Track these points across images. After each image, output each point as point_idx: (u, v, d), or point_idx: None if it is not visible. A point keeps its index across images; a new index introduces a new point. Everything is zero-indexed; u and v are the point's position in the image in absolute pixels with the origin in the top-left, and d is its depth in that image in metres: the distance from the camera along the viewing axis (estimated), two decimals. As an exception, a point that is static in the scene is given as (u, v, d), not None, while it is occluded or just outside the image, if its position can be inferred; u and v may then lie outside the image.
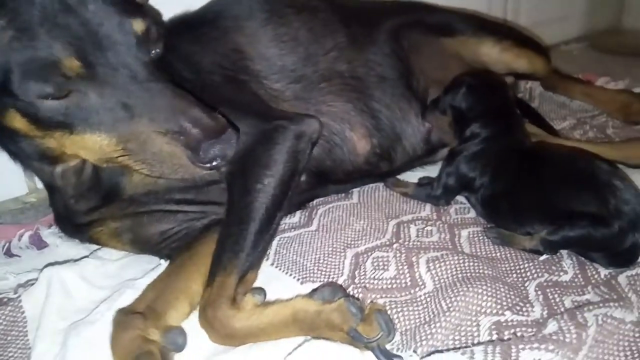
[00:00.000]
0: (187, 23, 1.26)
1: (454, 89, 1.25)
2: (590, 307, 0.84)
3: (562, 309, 0.88)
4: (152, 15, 0.86)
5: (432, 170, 1.37)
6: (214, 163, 0.78)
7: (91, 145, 0.82)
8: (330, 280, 1.01)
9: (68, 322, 0.92)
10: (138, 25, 0.80)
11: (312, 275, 1.02)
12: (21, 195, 1.41)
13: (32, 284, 1.02)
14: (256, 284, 0.97)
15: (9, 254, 1.20)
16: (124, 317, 0.86)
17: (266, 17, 1.27)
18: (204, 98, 1.06)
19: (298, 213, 1.24)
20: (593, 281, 0.96)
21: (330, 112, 1.25)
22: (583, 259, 1.02)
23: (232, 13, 1.27)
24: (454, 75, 1.32)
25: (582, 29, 2.58)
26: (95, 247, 1.15)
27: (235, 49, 1.22)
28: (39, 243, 1.22)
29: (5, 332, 0.95)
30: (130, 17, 0.80)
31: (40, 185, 1.39)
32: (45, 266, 1.04)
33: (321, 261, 1.06)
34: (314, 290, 0.89)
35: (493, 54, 1.47)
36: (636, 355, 0.78)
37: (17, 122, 0.81)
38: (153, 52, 0.83)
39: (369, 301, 0.91)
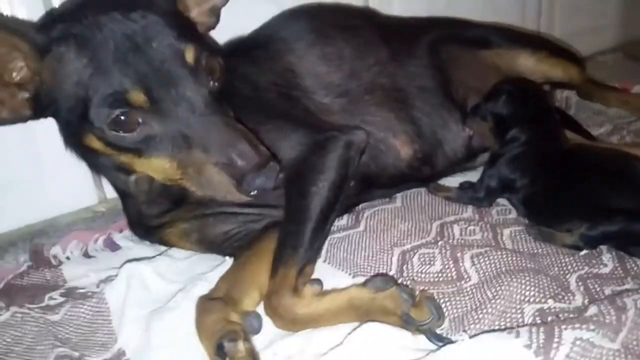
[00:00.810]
0: (242, 46, 1.38)
1: (495, 96, 1.32)
2: (630, 293, 0.89)
3: (602, 297, 0.93)
4: (209, 46, 0.96)
5: (471, 176, 1.43)
6: (255, 192, 0.89)
7: (156, 167, 0.94)
8: (380, 273, 1.08)
9: (148, 310, 1.03)
10: (190, 54, 0.91)
11: (362, 270, 1.10)
12: (92, 204, 1.54)
13: (112, 280, 1.13)
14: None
15: (86, 255, 1.32)
16: (207, 303, 0.96)
17: (313, 37, 1.38)
18: (262, 113, 1.19)
19: (345, 216, 1.31)
20: (632, 273, 1.00)
21: (374, 122, 1.33)
22: (622, 253, 1.06)
23: (281, 36, 1.39)
24: (491, 84, 1.39)
25: (616, 39, 2.59)
26: (164, 248, 1.26)
27: (287, 68, 1.33)
28: (112, 246, 1.34)
29: (92, 320, 1.07)
30: (184, 46, 0.90)
31: (109, 195, 1.52)
32: (124, 263, 1.16)
33: (370, 257, 1.13)
34: (367, 281, 0.97)
35: (529, 65, 1.54)
36: (675, 338, 0.83)
37: (95, 143, 0.93)
38: (212, 84, 0.94)
39: (418, 291, 0.98)
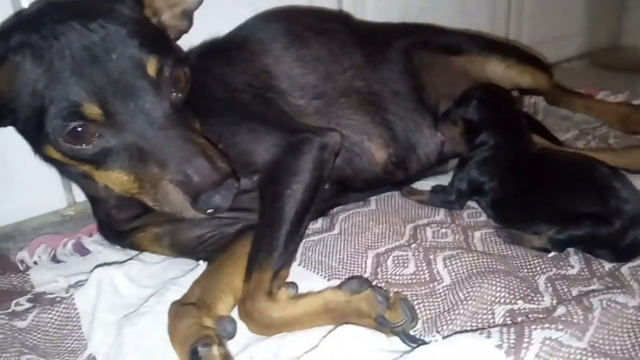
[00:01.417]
0: (217, 47, 1.37)
1: (465, 102, 1.35)
2: (596, 293, 0.92)
3: (570, 298, 0.96)
4: (172, 56, 0.93)
5: (443, 180, 1.46)
6: (210, 211, 0.88)
7: (114, 180, 0.93)
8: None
9: (119, 316, 1.01)
10: (152, 66, 0.88)
11: (337, 273, 1.10)
12: (61, 208, 1.51)
13: (82, 285, 1.11)
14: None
15: (55, 260, 1.29)
16: (180, 307, 0.95)
17: (289, 39, 1.38)
18: (237, 115, 1.18)
19: (320, 219, 1.32)
20: (598, 274, 1.03)
21: (349, 125, 1.34)
22: (588, 255, 1.09)
23: (257, 37, 1.38)
24: (462, 90, 1.42)
25: (582, 47, 2.67)
26: (135, 253, 1.24)
27: (262, 70, 1.33)
28: (81, 250, 1.31)
29: (60, 326, 1.04)
30: (146, 58, 0.88)
31: (78, 199, 1.50)
32: (95, 267, 1.13)
33: (345, 260, 1.14)
34: (342, 283, 0.98)
35: (499, 71, 1.57)
36: (638, 336, 0.85)
37: (54, 154, 0.92)
38: (175, 95, 0.92)
39: (392, 293, 0.99)
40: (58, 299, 1.10)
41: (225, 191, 0.87)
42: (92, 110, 0.85)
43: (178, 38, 1.12)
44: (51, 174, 1.09)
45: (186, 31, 1.13)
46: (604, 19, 2.69)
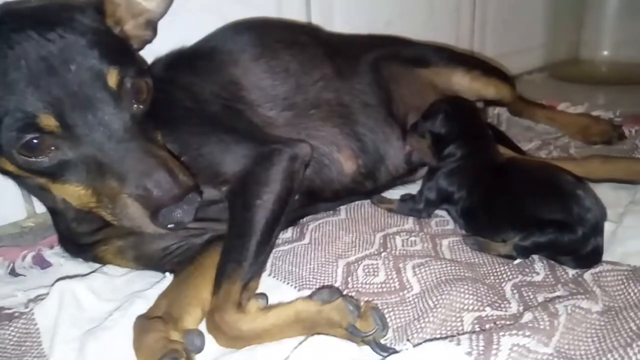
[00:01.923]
0: (184, 57, 1.35)
1: (432, 115, 1.37)
2: (561, 300, 0.94)
3: (536, 304, 0.98)
4: (134, 67, 0.91)
5: (412, 188, 1.48)
6: (171, 226, 0.86)
7: (71, 193, 0.90)
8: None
9: (82, 330, 0.97)
10: (112, 78, 0.87)
11: (308, 282, 1.09)
12: (20, 219, 1.45)
13: (42, 299, 1.07)
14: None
15: (13, 273, 1.24)
16: (145, 322, 0.92)
17: (259, 51, 1.37)
18: (205, 126, 1.17)
19: (290, 229, 1.31)
20: (562, 280, 1.06)
21: (319, 136, 1.35)
22: (553, 262, 1.12)
23: (226, 48, 1.37)
24: (429, 101, 1.44)
25: (542, 60, 2.77)
26: (98, 265, 1.20)
27: (231, 81, 1.31)
28: (42, 263, 1.26)
29: (19, 343, 0.99)
30: (107, 69, 0.86)
31: (38, 210, 1.45)
32: (56, 281, 1.09)
33: (315, 270, 1.13)
34: (313, 293, 0.97)
35: (464, 83, 1.61)
36: (602, 341, 0.87)
37: (8, 166, 0.89)
38: (135, 106, 0.90)
39: (363, 302, 0.99)
40: (17, 314, 1.05)
41: (186, 205, 0.85)
42: (48, 121, 0.82)
43: (141, 48, 1.10)
44: (9, 184, 1.06)
45: (150, 41, 1.11)
46: (563, 33, 2.80)
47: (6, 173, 0.95)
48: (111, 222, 0.90)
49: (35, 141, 0.83)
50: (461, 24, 2.39)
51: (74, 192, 0.89)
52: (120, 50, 0.95)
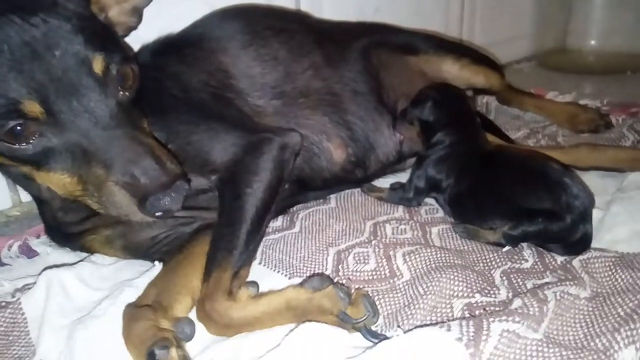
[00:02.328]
0: (172, 44, 1.33)
1: (420, 103, 1.36)
2: (550, 286, 0.95)
3: (525, 290, 0.99)
4: (120, 54, 0.90)
5: (401, 177, 1.48)
6: (159, 214, 0.85)
7: (55, 182, 0.89)
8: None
9: (70, 319, 0.96)
10: (97, 64, 0.85)
11: (298, 271, 1.09)
12: (5, 209, 1.43)
13: (29, 288, 1.05)
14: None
15: (0, 263, 1.22)
16: (135, 310, 0.91)
17: (248, 38, 1.35)
18: (194, 114, 1.15)
19: (280, 218, 1.31)
20: (551, 267, 1.07)
21: (308, 125, 1.34)
22: (541, 249, 1.12)
23: (214, 35, 1.35)
24: (418, 89, 1.43)
25: (530, 49, 2.78)
26: (85, 255, 1.19)
27: (220, 69, 1.30)
28: (28, 252, 1.25)
29: (6, 333, 0.99)
30: (92, 55, 0.85)
31: (24, 199, 1.43)
32: (44, 269, 1.08)
33: (306, 258, 1.13)
34: (304, 281, 0.97)
35: (453, 71, 1.61)
36: (590, 326, 0.88)
37: None
38: (121, 94, 0.89)
39: (353, 289, 0.99)
40: (3, 303, 1.04)
41: (174, 193, 0.84)
42: (32, 107, 0.81)
43: (126, 35, 1.08)
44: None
45: (135, 28, 1.09)
46: (551, 22, 2.81)
47: None
48: (97, 210, 0.88)
49: (19, 128, 0.81)
50: (450, 12, 2.39)
51: (58, 181, 0.88)
52: (105, 36, 0.93)
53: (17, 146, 0.83)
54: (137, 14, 1.06)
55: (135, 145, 0.85)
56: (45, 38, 0.83)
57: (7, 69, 0.80)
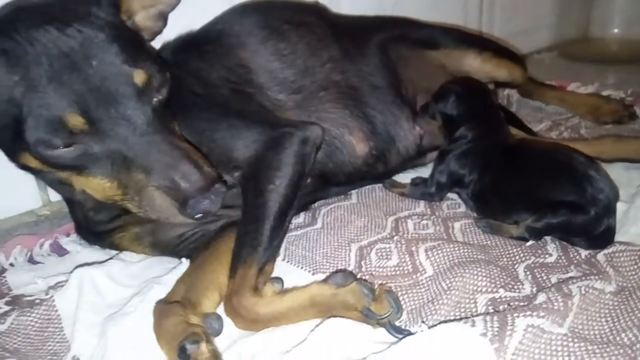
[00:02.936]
0: (192, 41, 1.35)
1: (443, 96, 1.36)
2: (574, 280, 0.94)
3: (549, 285, 0.99)
4: (155, 64, 0.92)
5: (422, 172, 1.48)
6: (199, 216, 0.88)
7: (95, 186, 0.91)
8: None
9: (102, 316, 0.99)
10: (139, 77, 0.87)
11: (321, 267, 1.11)
12: (35, 208, 1.48)
13: (62, 286, 1.09)
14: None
15: (32, 261, 1.26)
16: (165, 306, 0.94)
17: (266, 33, 1.36)
18: (215, 111, 1.17)
19: (302, 214, 1.33)
20: (575, 261, 1.06)
21: (329, 119, 1.35)
22: (565, 243, 1.12)
23: (234, 31, 1.36)
24: (438, 83, 1.43)
25: (552, 39, 2.74)
26: (114, 252, 1.22)
27: (240, 64, 1.31)
28: (59, 250, 1.28)
29: (41, 329, 1.02)
30: (132, 68, 0.87)
31: (53, 198, 1.47)
32: (76, 267, 1.11)
33: (329, 254, 1.14)
34: (328, 277, 0.98)
35: (475, 65, 1.60)
36: (615, 320, 0.88)
37: (31, 162, 0.90)
38: (155, 99, 0.91)
39: (377, 285, 1.00)
40: (37, 301, 1.07)
41: (214, 196, 0.87)
42: (76, 121, 0.83)
43: (152, 39, 1.10)
44: (25, 173, 1.06)
45: (160, 32, 1.10)
46: (572, 11, 2.76)
47: (26, 168, 0.95)
48: (137, 213, 0.91)
49: (61, 138, 0.84)
50: (469, 3, 2.36)
51: (98, 185, 0.91)
52: (136, 44, 0.95)
53: (58, 153, 0.85)
54: (163, 18, 1.07)
55: (173, 150, 0.88)
56: (82, 48, 0.85)
57: (47, 80, 0.82)
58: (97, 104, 0.84)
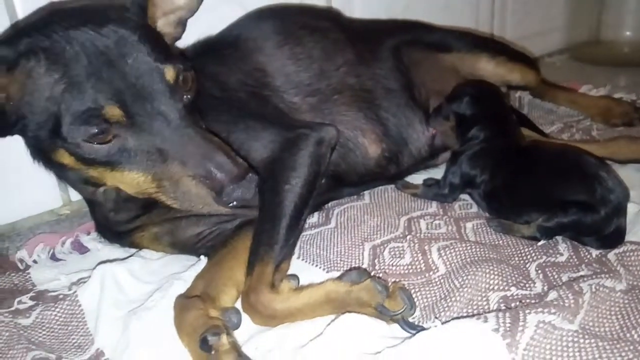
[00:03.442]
0: (210, 46, 1.39)
1: (458, 97, 1.38)
2: (585, 279, 0.96)
3: (560, 283, 1.00)
4: (183, 62, 0.96)
5: (434, 173, 1.50)
6: (234, 203, 0.90)
7: (129, 181, 0.94)
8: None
9: (124, 311, 1.03)
10: (170, 73, 0.91)
11: (335, 265, 1.13)
12: (56, 207, 1.51)
13: (84, 282, 1.12)
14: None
15: (54, 258, 1.30)
16: (185, 301, 0.97)
17: (283, 38, 1.40)
18: (233, 113, 1.20)
19: (316, 214, 1.35)
20: (586, 260, 1.08)
21: (343, 121, 1.37)
22: (576, 243, 1.13)
23: (250, 36, 1.40)
24: (451, 86, 1.46)
25: (563, 42, 2.74)
26: (134, 250, 1.25)
27: (257, 68, 1.35)
28: (80, 248, 1.32)
29: (65, 323, 1.06)
30: (163, 66, 0.91)
31: (73, 198, 1.50)
32: (98, 264, 1.15)
33: (343, 253, 1.17)
34: (343, 274, 1.01)
35: (489, 68, 1.62)
36: (626, 318, 0.90)
37: (65, 159, 0.93)
38: (186, 97, 0.94)
39: (390, 283, 1.02)
40: (61, 296, 1.11)
41: (247, 183, 0.90)
42: (114, 111, 0.87)
43: (172, 45, 1.13)
44: (46, 173, 1.09)
45: (180, 38, 1.15)
46: (584, 14, 2.76)
47: (58, 166, 0.98)
48: (171, 205, 0.94)
49: (100, 129, 0.87)
50: (481, 6, 2.37)
51: (132, 180, 0.94)
52: (164, 44, 1.00)
53: (96, 146, 0.88)
54: (182, 24, 1.11)
55: (207, 142, 0.91)
56: (117, 47, 0.89)
57: (86, 76, 0.86)
58: (133, 98, 0.88)
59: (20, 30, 0.95)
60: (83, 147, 0.88)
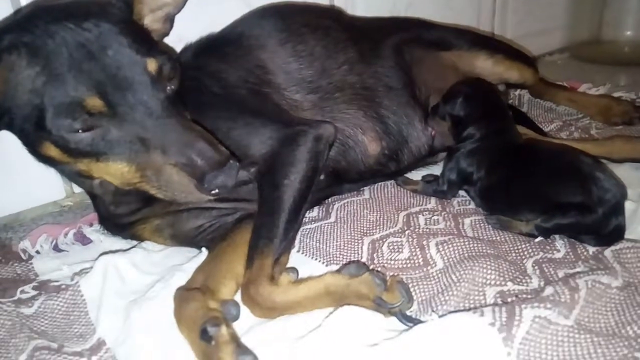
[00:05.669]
0: (212, 43, 1.40)
1: (451, 99, 1.39)
2: (581, 275, 0.97)
3: (557, 279, 1.01)
4: (166, 54, 0.96)
5: (433, 169, 1.52)
6: (216, 191, 0.91)
7: (114, 172, 0.95)
8: (352, 261, 1.13)
9: (126, 301, 1.04)
10: (152, 65, 0.92)
11: (335, 258, 1.15)
12: (59, 199, 1.53)
13: (87, 272, 1.14)
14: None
15: (57, 249, 1.31)
16: (185, 292, 0.98)
17: (285, 35, 1.41)
18: (233, 110, 1.21)
19: (316, 208, 1.36)
20: (583, 257, 1.09)
21: (344, 119, 1.38)
22: (573, 240, 1.14)
23: (253, 33, 1.41)
24: (451, 83, 1.46)
25: (564, 41, 2.75)
26: (136, 242, 1.26)
27: (258, 65, 1.36)
28: (82, 239, 1.34)
29: (67, 312, 1.07)
30: (145, 57, 0.92)
31: (77, 190, 1.52)
32: (99, 255, 1.16)
33: (342, 247, 1.18)
34: (342, 267, 1.02)
35: (487, 66, 1.63)
36: (621, 314, 0.91)
37: (52, 151, 0.94)
38: (168, 88, 0.95)
39: (389, 277, 1.04)
40: (63, 286, 1.12)
41: (229, 170, 0.91)
42: (95, 102, 0.88)
43: (160, 40, 1.15)
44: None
45: (167, 34, 1.16)
46: (585, 13, 2.76)
47: (47, 159, 0.99)
48: (155, 195, 0.95)
49: (82, 120, 0.88)
50: (482, 5, 2.38)
51: (116, 171, 0.95)
52: (147, 37, 1.02)
53: (79, 138, 0.90)
54: (170, 21, 1.13)
55: (188, 131, 0.92)
56: (98, 40, 0.90)
57: (67, 69, 0.87)
58: (114, 89, 0.89)
59: (3, 27, 0.96)
60: (66, 137, 0.90)
